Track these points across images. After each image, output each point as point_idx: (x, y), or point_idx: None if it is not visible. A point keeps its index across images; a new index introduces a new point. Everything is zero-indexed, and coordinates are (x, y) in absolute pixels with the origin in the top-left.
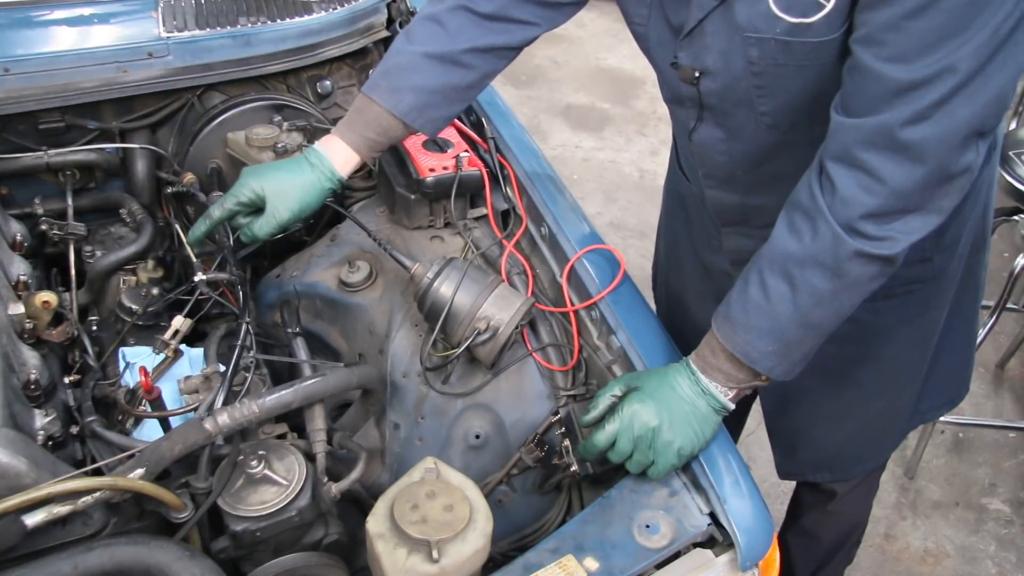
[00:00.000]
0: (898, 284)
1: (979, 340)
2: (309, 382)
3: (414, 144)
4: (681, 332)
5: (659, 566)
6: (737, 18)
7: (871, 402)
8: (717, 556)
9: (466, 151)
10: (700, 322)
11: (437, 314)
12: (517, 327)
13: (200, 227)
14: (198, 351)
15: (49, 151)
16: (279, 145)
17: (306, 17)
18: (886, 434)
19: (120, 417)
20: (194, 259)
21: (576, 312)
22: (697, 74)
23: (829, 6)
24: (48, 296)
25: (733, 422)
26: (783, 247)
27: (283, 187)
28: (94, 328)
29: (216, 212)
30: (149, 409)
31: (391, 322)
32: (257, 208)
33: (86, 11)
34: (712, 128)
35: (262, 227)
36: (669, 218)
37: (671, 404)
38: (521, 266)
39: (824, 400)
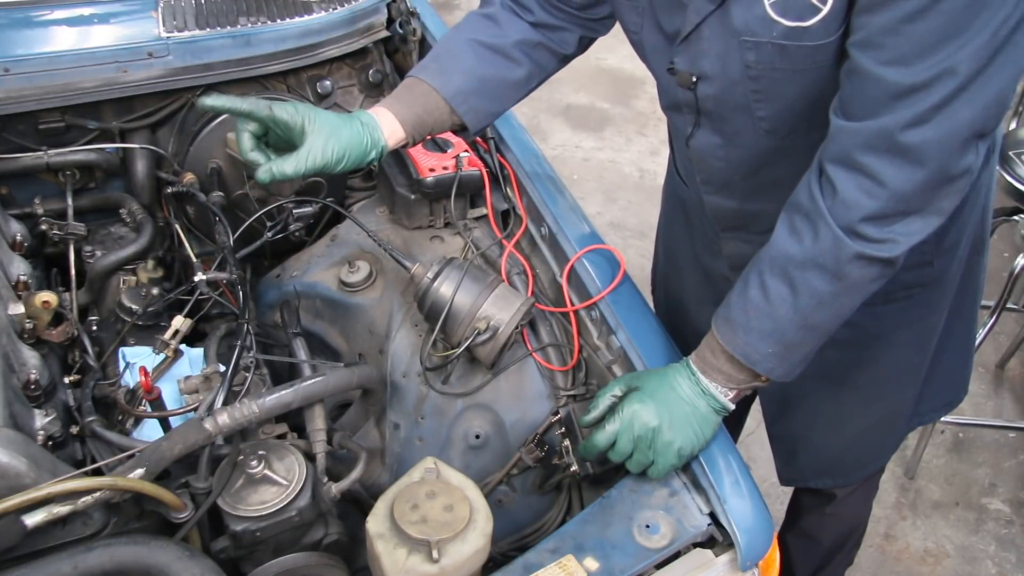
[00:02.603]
0: (898, 288)
1: (979, 340)
2: (309, 382)
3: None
4: (681, 335)
5: (659, 566)
6: (734, 22)
7: (871, 406)
8: (717, 556)
9: (466, 151)
10: (699, 325)
11: (437, 314)
12: (517, 327)
13: (246, 139)
14: (198, 351)
15: (49, 151)
16: None
17: (306, 17)
18: (886, 438)
19: (120, 417)
20: (194, 259)
21: (576, 312)
22: (694, 79)
23: (826, 9)
24: (48, 296)
25: (733, 422)
26: (783, 249)
27: (330, 128)
28: (94, 328)
29: (250, 126)
30: (149, 409)
31: (391, 322)
32: (284, 146)
33: (86, 11)
34: (710, 134)
35: (296, 164)
36: (668, 222)
37: (671, 404)
38: (521, 266)
39: (824, 405)
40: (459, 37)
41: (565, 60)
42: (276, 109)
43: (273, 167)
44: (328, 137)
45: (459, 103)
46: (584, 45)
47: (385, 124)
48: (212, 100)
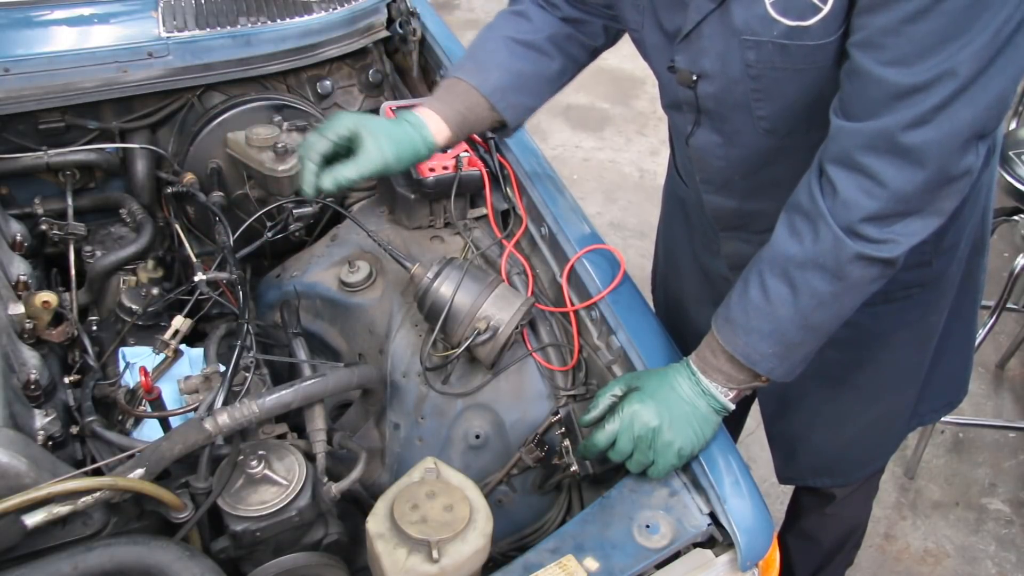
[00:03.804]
0: (897, 288)
1: (979, 340)
2: (309, 382)
3: None
4: (680, 335)
5: (659, 566)
6: (734, 21)
7: (870, 406)
8: (717, 556)
9: (466, 151)
10: (699, 326)
11: (437, 314)
12: (517, 327)
13: (309, 172)
14: (198, 351)
15: (49, 151)
16: (279, 145)
17: (306, 17)
18: (885, 438)
19: (120, 417)
20: (194, 259)
21: (576, 312)
22: (695, 77)
23: (826, 9)
24: (48, 296)
25: (733, 422)
26: (783, 249)
27: (382, 132)
28: (94, 328)
29: (319, 147)
30: (149, 409)
31: (391, 322)
32: (338, 155)
33: (86, 11)
34: (709, 133)
35: (358, 169)
36: (668, 221)
37: (671, 404)
38: (521, 266)
39: (823, 404)
40: (493, 35)
41: (596, 52)
42: (337, 128)
43: (336, 174)
44: (382, 140)
45: (498, 99)
46: (612, 36)
47: (431, 123)
48: (308, 184)
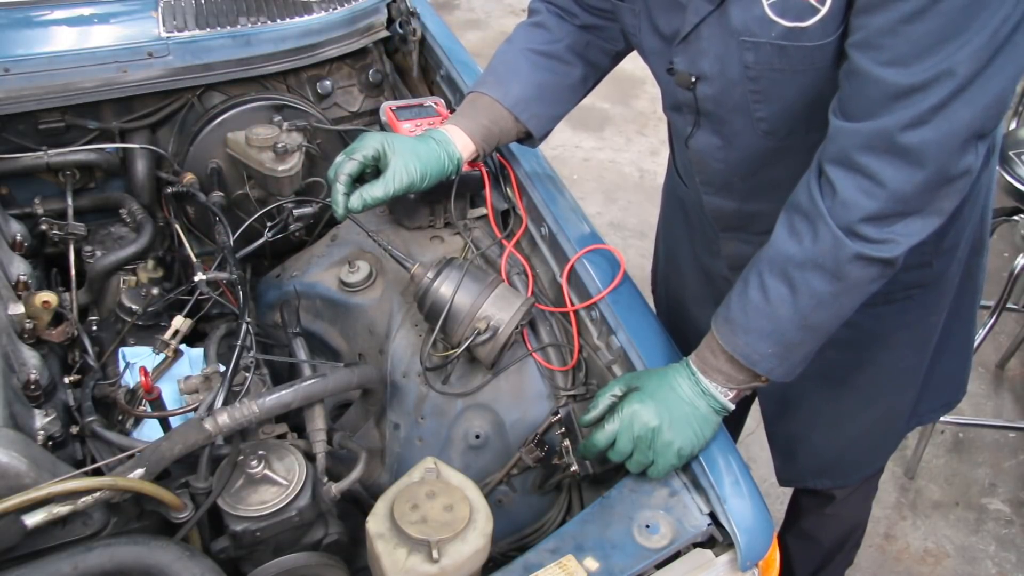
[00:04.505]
0: (897, 289)
1: (979, 340)
2: (309, 382)
3: None
4: (681, 335)
5: (659, 566)
6: (732, 22)
7: (870, 407)
8: (717, 556)
9: None
10: (700, 326)
11: (437, 314)
12: (517, 327)
13: (339, 194)
14: (198, 351)
15: (49, 151)
16: (279, 145)
17: (306, 17)
18: (885, 438)
19: (120, 417)
20: (194, 259)
21: (576, 312)
22: (693, 79)
23: (824, 10)
24: (48, 296)
25: (732, 422)
26: (783, 249)
27: (408, 149)
28: (94, 328)
29: (347, 169)
30: (149, 409)
31: (391, 322)
32: (366, 174)
33: (86, 11)
34: (709, 135)
35: (385, 188)
36: (668, 222)
37: (671, 404)
38: (521, 266)
39: (823, 405)
40: (512, 48)
41: (618, 56)
42: (365, 148)
43: (363, 193)
44: (408, 157)
45: (520, 111)
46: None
47: (456, 139)
48: (340, 206)
